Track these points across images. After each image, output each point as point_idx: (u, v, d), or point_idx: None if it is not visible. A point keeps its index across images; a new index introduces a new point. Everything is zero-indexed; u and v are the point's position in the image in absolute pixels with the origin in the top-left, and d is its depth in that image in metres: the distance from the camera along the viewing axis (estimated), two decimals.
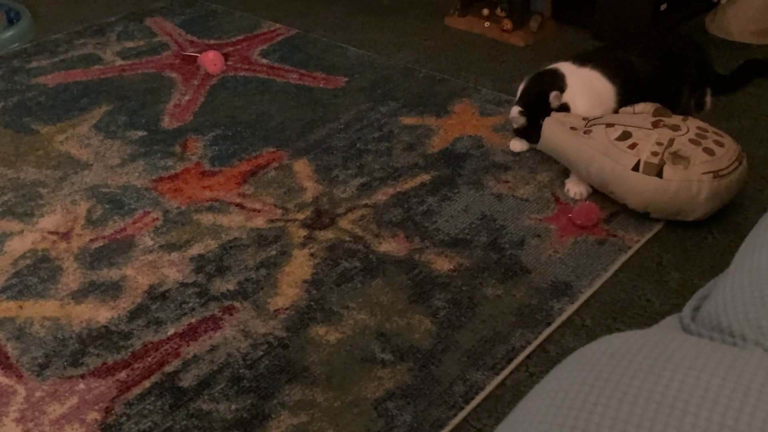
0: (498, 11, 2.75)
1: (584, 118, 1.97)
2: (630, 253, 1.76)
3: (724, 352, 0.64)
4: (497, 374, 1.47)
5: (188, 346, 1.54)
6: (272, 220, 1.88)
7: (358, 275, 1.70)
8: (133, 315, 1.61)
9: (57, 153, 2.13)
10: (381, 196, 1.95)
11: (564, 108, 2.01)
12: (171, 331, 1.57)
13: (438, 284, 1.67)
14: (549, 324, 1.58)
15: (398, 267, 1.72)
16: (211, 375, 1.48)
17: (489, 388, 1.44)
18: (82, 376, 1.48)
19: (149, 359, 1.51)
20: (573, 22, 2.81)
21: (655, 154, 1.78)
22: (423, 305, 1.63)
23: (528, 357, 1.51)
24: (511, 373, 1.48)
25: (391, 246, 1.79)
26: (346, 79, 2.50)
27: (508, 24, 2.73)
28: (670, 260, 1.76)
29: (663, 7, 2.68)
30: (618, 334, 0.72)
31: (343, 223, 1.86)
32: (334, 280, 1.69)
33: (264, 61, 2.61)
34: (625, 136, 1.85)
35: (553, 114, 2.01)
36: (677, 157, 1.76)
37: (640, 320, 1.60)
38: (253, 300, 1.64)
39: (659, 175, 1.76)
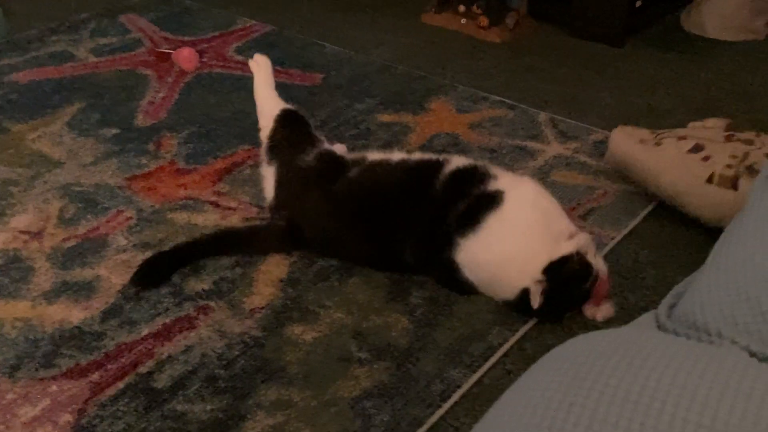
0: (474, 8, 2.75)
1: (652, 131, 1.92)
2: (606, 250, 1.76)
3: (701, 350, 0.64)
4: (474, 372, 1.46)
5: (162, 346, 1.52)
6: (248, 219, 1.86)
7: (335, 273, 1.69)
8: (107, 315, 1.59)
9: (29, 151, 2.10)
10: None
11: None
12: (145, 332, 1.55)
13: (415, 282, 1.66)
14: (526, 321, 1.57)
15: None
16: (185, 375, 1.46)
17: (466, 386, 1.44)
18: (55, 378, 1.45)
19: (123, 360, 1.49)
20: (549, 19, 2.81)
21: (729, 167, 1.74)
22: (400, 303, 1.62)
23: (505, 355, 1.51)
24: (489, 370, 1.47)
25: None
26: (323, 76, 2.48)
27: (484, 21, 2.72)
28: (647, 257, 1.76)
29: (638, 3, 2.69)
30: (594, 332, 0.72)
31: None
32: (310, 279, 1.68)
33: (239, 57, 2.59)
34: (698, 148, 1.81)
35: (621, 126, 1.94)
36: (753, 171, 1.72)
37: (617, 317, 1.59)
38: (229, 299, 1.63)
39: (735, 188, 1.72)
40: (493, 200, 1.59)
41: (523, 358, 1.51)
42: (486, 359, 1.49)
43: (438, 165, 1.67)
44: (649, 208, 1.88)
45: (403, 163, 1.71)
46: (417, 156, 1.74)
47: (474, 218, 1.58)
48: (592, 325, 1.56)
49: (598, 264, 1.55)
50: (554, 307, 1.54)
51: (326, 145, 1.81)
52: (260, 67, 1.99)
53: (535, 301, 1.50)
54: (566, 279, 1.51)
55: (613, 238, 1.79)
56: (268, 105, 1.92)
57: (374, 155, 1.76)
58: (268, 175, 1.80)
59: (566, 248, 1.53)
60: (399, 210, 1.65)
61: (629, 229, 1.82)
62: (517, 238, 1.57)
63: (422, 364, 1.48)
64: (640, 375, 0.60)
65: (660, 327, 0.76)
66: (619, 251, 1.77)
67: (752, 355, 0.64)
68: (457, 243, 1.58)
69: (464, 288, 1.61)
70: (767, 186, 0.89)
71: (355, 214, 1.68)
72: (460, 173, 1.66)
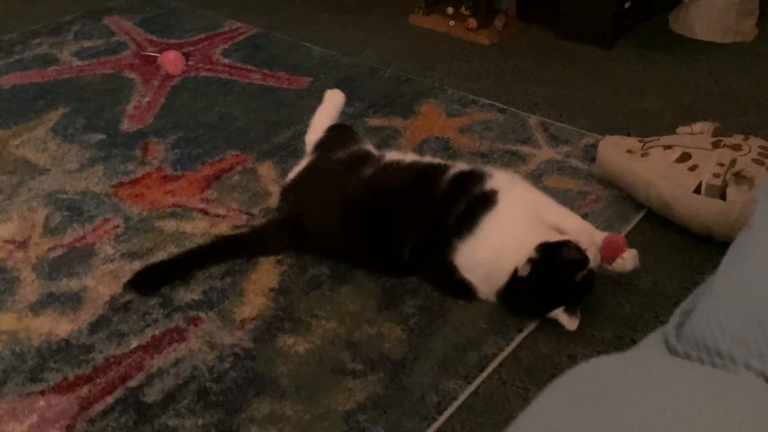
0: (463, 10, 2.73)
1: (640, 140, 1.91)
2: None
3: (715, 377, 0.62)
4: (470, 383, 1.45)
5: (152, 359, 1.49)
6: (237, 226, 1.83)
7: (327, 282, 1.67)
8: (95, 327, 1.56)
9: (13, 158, 2.07)
10: None
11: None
12: (134, 344, 1.52)
13: (408, 290, 1.64)
14: (521, 330, 1.56)
15: (367, 274, 1.69)
16: (176, 389, 1.43)
17: (462, 398, 1.42)
18: (42, 393, 1.42)
19: (112, 374, 1.46)
20: (538, 21, 2.80)
21: (717, 175, 1.73)
22: (393, 312, 1.60)
23: (500, 365, 1.49)
24: (484, 381, 1.46)
25: None
26: (311, 79, 2.46)
27: (473, 23, 2.71)
28: (640, 263, 1.74)
29: (627, 5, 2.68)
30: (605, 357, 0.70)
31: None
32: (301, 288, 1.66)
33: (226, 60, 2.56)
34: (685, 157, 1.80)
35: (608, 137, 1.94)
36: (740, 178, 1.71)
37: (611, 325, 1.58)
38: (219, 310, 1.60)
39: (722, 197, 1.71)
40: (488, 200, 1.60)
41: (518, 367, 1.49)
42: (481, 369, 1.47)
43: (442, 169, 1.69)
44: (642, 213, 1.87)
45: (412, 166, 1.73)
46: (426, 159, 1.77)
47: (471, 220, 1.58)
48: (589, 335, 1.55)
49: (596, 261, 1.54)
50: (540, 292, 1.52)
51: (367, 146, 1.83)
52: (332, 98, 2.01)
53: (523, 269, 1.49)
54: (559, 262, 1.50)
55: (636, 267, 1.77)
56: (319, 129, 1.93)
57: (392, 155, 1.78)
58: (302, 162, 1.83)
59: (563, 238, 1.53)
60: (403, 212, 1.64)
61: (623, 235, 1.81)
62: (510, 228, 1.57)
63: (417, 375, 1.46)
64: (655, 405, 0.58)
65: (670, 349, 0.74)
66: None
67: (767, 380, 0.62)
68: (455, 246, 1.57)
69: (462, 291, 1.59)
70: None
71: (362, 211, 1.68)
72: (460, 177, 1.67)
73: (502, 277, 1.55)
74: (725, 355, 0.69)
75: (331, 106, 1.99)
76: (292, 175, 1.83)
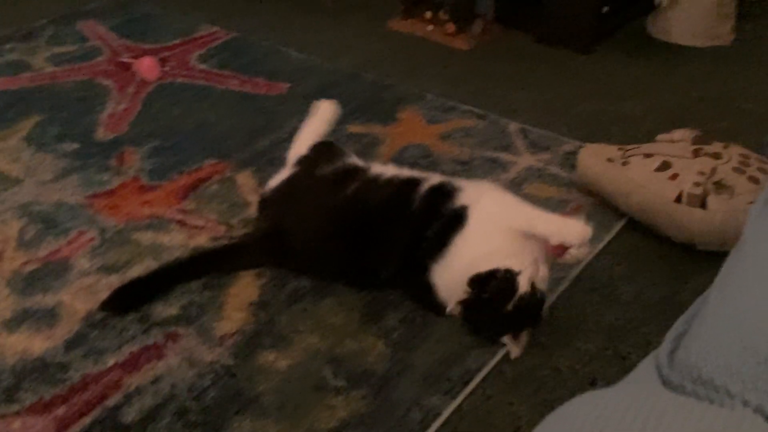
0: (441, 14, 2.72)
1: (620, 148, 1.90)
2: (582, 265, 1.74)
3: (712, 417, 0.61)
4: (454, 398, 1.43)
5: (130, 377, 1.46)
6: (216, 238, 1.81)
7: (308, 295, 1.65)
8: (71, 345, 1.53)
9: None
10: None
11: None
12: (111, 362, 1.49)
13: (390, 303, 1.63)
14: (504, 343, 1.55)
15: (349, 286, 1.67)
16: (155, 408, 1.40)
17: (446, 414, 1.40)
18: (18, 414, 1.39)
19: (89, 393, 1.43)
20: (516, 26, 2.78)
21: (697, 184, 1.73)
22: (375, 326, 1.58)
23: (484, 379, 1.48)
24: (468, 396, 1.44)
25: None
26: (289, 85, 2.43)
27: (451, 27, 2.69)
28: (621, 272, 1.74)
29: (605, 9, 2.68)
30: (597, 393, 0.68)
31: None
32: (282, 302, 1.63)
33: (202, 66, 2.53)
34: (665, 166, 1.79)
35: (588, 145, 1.93)
36: (721, 187, 1.71)
37: (595, 336, 1.58)
38: (198, 325, 1.57)
39: (703, 206, 1.71)
40: (458, 218, 1.57)
41: (503, 381, 1.48)
42: (465, 384, 1.46)
43: (416, 183, 1.65)
44: (623, 222, 1.87)
45: (390, 182, 1.68)
46: (405, 172, 1.71)
47: (442, 241, 1.56)
48: (574, 348, 1.54)
49: (538, 286, 1.49)
50: (479, 322, 1.52)
51: (352, 160, 1.76)
52: (324, 111, 1.90)
53: (455, 310, 1.49)
54: (488, 293, 1.47)
55: (588, 253, 1.77)
56: (304, 145, 1.84)
57: (377, 168, 1.72)
58: (284, 173, 1.78)
59: (509, 264, 1.48)
60: (381, 231, 1.62)
61: (604, 244, 1.80)
62: (479, 246, 1.54)
63: (400, 391, 1.44)
64: None
65: (664, 380, 0.73)
66: (595, 266, 1.75)
67: (766, 418, 0.61)
68: (430, 267, 1.56)
69: (442, 310, 1.57)
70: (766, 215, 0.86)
71: (341, 230, 1.64)
72: (432, 193, 1.63)
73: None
74: (721, 388, 0.68)
75: (321, 119, 1.88)
76: (272, 184, 1.79)
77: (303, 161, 1.79)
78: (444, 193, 1.62)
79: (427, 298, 1.58)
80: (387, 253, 1.60)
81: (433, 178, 1.67)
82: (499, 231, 1.55)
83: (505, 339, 1.52)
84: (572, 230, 1.53)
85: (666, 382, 0.74)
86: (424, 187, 1.64)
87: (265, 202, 1.78)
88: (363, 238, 1.62)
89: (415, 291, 1.60)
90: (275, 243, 1.68)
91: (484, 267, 1.48)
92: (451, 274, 1.54)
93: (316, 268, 1.67)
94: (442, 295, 1.56)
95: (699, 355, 0.73)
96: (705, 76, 2.53)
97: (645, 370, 0.78)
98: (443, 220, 1.58)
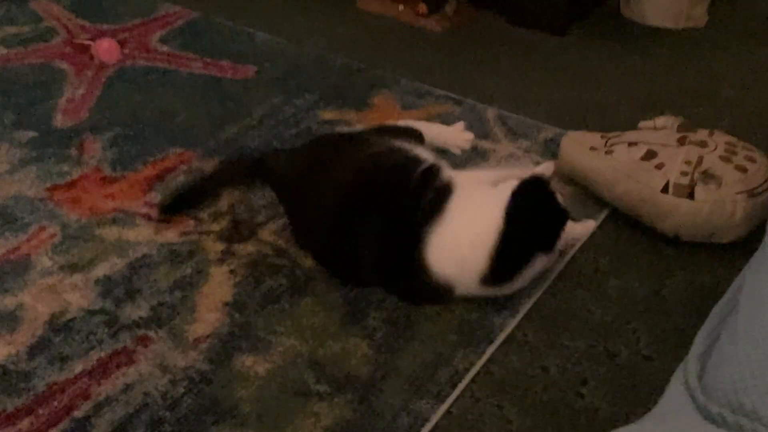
0: None
1: (603, 136, 1.86)
2: (566, 258, 1.69)
3: None
4: (442, 402, 1.37)
5: (99, 385, 1.38)
6: (185, 233, 1.72)
7: (285, 294, 1.57)
8: (34, 351, 1.44)
9: None
10: None
11: None
12: (78, 369, 1.40)
13: (372, 302, 1.56)
14: (491, 342, 1.49)
15: (328, 283, 1.60)
16: (127, 419, 1.32)
17: (435, 419, 1.34)
18: None
19: (55, 403, 1.34)
20: (489, 7, 2.71)
21: (684, 174, 1.68)
22: (358, 326, 1.51)
23: (473, 380, 1.42)
24: (456, 399, 1.39)
25: None
26: (256, 68, 2.33)
27: (422, 8, 2.61)
28: (607, 266, 1.70)
29: None
30: (632, 428, 0.63)
31: (264, 234, 1.72)
32: (258, 302, 1.55)
33: (164, 48, 2.42)
34: (651, 155, 1.74)
35: (570, 133, 1.90)
36: (708, 176, 1.67)
37: (583, 333, 1.53)
38: (169, 328, 1.49)
39: (690, 196, 1.67)
40: (446, 189, 1.56)
41: (492, 383, 1.42)
42: (453, 386, 1.40)
43: (414, 163, 1.61)
44: (606, 212, 1.82)
45: (393, 154, 1.65)
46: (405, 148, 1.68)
47: (437, 210, 1.52)
48: (561, 345, 1.50)
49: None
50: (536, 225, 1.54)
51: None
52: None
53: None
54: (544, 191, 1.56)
55: (572, 246, 1.72)
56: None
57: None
58: None
59: None
60: (376, 210, 1.56)
61: (588, 237, 1.76)
62: (477, 200, 1.54)
63: (386, 396, 1.38)
64: None
65: (699, 407, 0.68)
66: (580, 260, 1.70)
67: None
68: (426, 240, 1.50)
69: (437, 295, 1.51)
70: None
71: (341, 209, 1.58)
72: (424, 173, 1.59)
73: (482, 253, 1.49)
74: (765, 420, 0.63)
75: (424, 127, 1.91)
76: None
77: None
78: (431, 172, 1.59)
79: (419, 286, 1.52)
80: (377, 238, 1.54)
81: (425, 155, 1.65)
82: (486, 184, 1.59)
83: (570, 227, 1.59)
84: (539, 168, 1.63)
85: (701, 409, 0.68)
86: (419, 169, 1.59)
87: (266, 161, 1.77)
88: (359, 219, 1.56)
89: (405, 282, 1.54)
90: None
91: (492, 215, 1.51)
92: (452, 236, 1.50)
93: (312, 242, 1.66)
94: (441, 269, 1.50)
95: (736, 382, 0.68)
96: (679, 61, 2.49)
97: (676, 396, 0.72)
98: (434, 193, 1.55)
